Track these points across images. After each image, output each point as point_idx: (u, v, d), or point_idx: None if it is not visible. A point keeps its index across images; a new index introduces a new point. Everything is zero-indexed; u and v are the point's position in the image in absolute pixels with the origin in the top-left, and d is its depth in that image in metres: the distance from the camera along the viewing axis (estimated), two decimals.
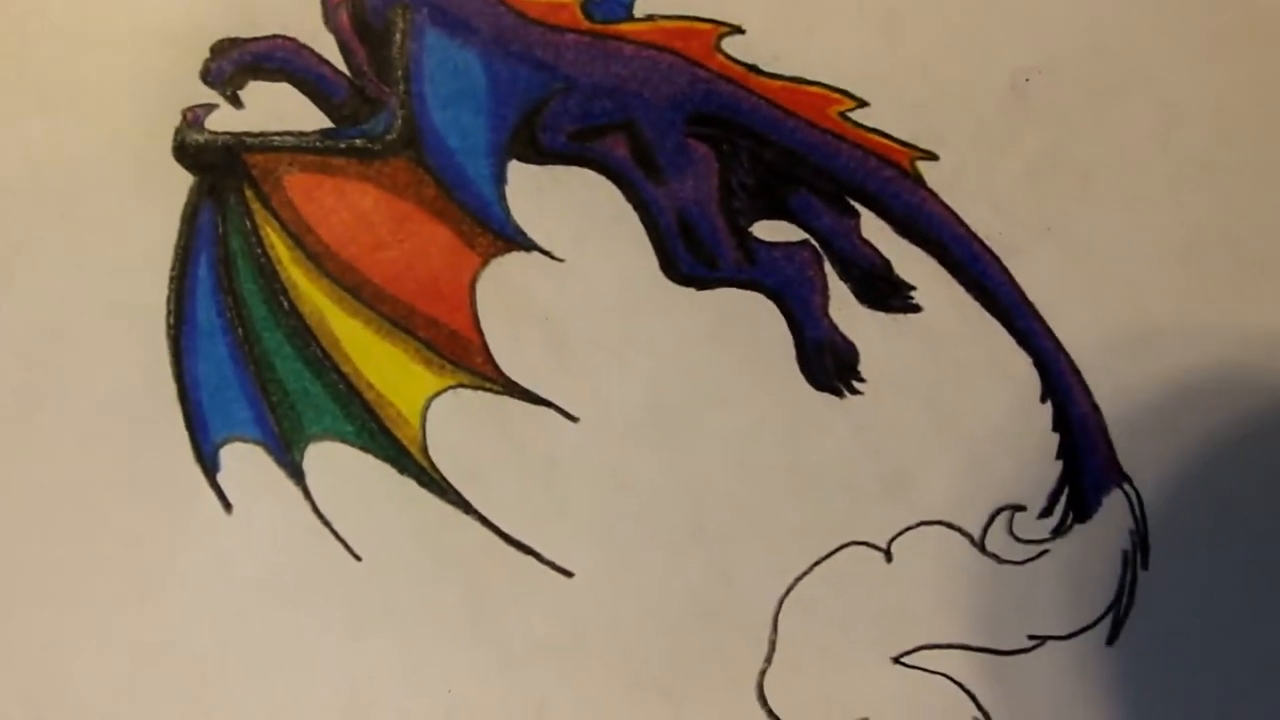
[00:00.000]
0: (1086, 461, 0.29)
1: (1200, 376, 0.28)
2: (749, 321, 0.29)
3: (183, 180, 0.29)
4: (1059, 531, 0.29)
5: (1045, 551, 0.28)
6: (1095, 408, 0.28)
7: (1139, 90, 0.28)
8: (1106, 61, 0.28)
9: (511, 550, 0.29)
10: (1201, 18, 0.28)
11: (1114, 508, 0.28)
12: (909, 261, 0.29)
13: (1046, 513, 0.29)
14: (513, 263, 0.29)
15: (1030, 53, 0.28)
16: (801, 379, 0.29)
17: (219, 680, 0.29)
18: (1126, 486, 0.28)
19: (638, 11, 0.29)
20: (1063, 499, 0.29)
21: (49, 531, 0.30)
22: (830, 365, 0.29)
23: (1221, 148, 0.28)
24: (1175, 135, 0.28)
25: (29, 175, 0.29)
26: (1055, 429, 0.29)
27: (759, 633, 0.29)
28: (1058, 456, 0.29)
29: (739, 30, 0.29)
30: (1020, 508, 0.29)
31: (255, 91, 0.29)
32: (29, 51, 0.29)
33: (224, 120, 0.29)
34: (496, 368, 0.29)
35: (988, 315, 0.29)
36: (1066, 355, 0.28)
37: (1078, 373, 0.28)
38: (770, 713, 0.29)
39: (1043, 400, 0.28)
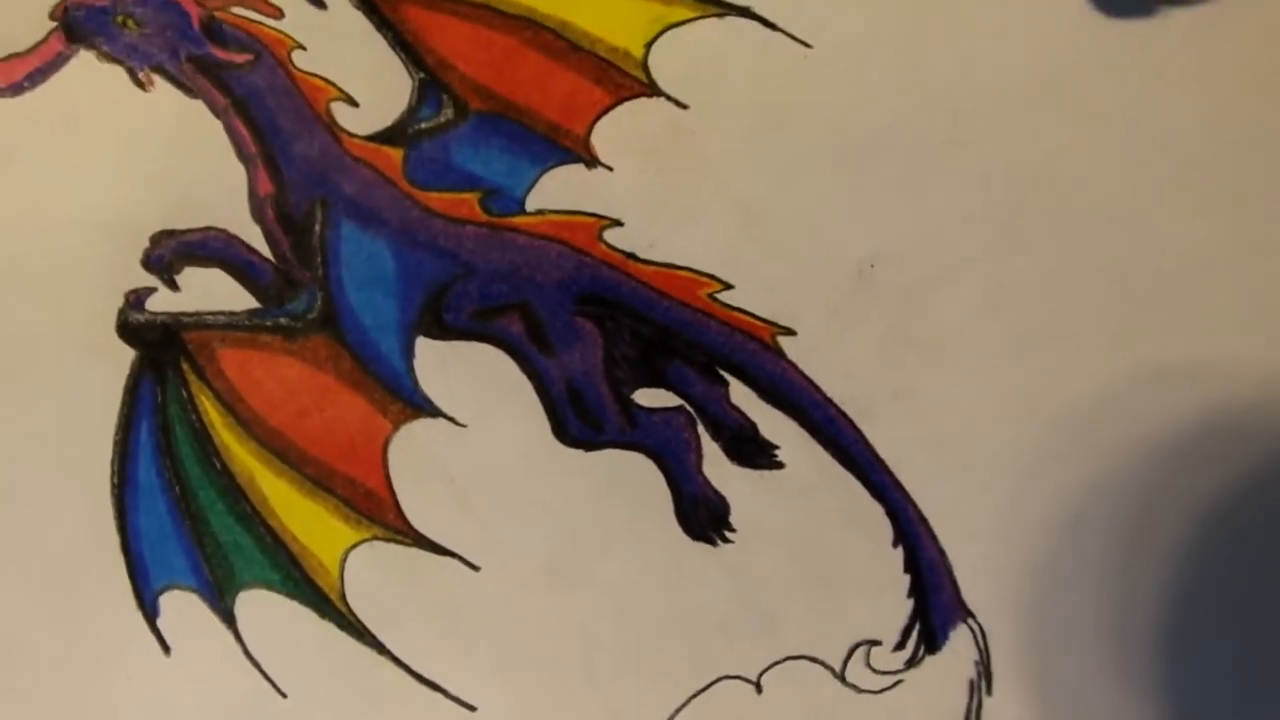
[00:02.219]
0: (934, 599, 0.30)
1: (1033, 523, 0.30)
2: (632, 479, 0.31)
3: (125, 355, 0.31)
4: (912, 663, 0.30)
5: (900, 681, 0.30)
6: (941, 551, 0.30)
7: (969, 271, 0.30)
8: (939, 249, 0.30)
9: (421, 687, 0.31)
10: (1017, 206, 0.30)
11: (960, 640, 0.30)
12: (773, 424, 0.31)
13: (900, 646, 0.30)
14: (421, 428, 0.31)
15: (872, 243, 0.30)
16: (680, 530, 0.31)
17: None
18: (971, 621, 0.30)
19: (529, 206, 0.31)
20: (914, 633, 0.30)
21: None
22: (705, 517, 0.31)
23: (1044, 318, 0.30)
24: (1004, 309, 0.30)
25: None
26: (906, 570, 0.30)
27: None
28: (909, 595, 0.30)
29: (618, 223, 0.31)
30: (876, 642, 0.30)
31: (191, 276, 0.31)
32: None
33: (163, 301, 0.31)
34: (407, 522, 0.31)
35: (844, 471, 0.30)
36: (915, 505, 0.30)
37: (925, 520, 0.30)
38: None
39: (895, 545, 0.30)
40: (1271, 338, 0.30)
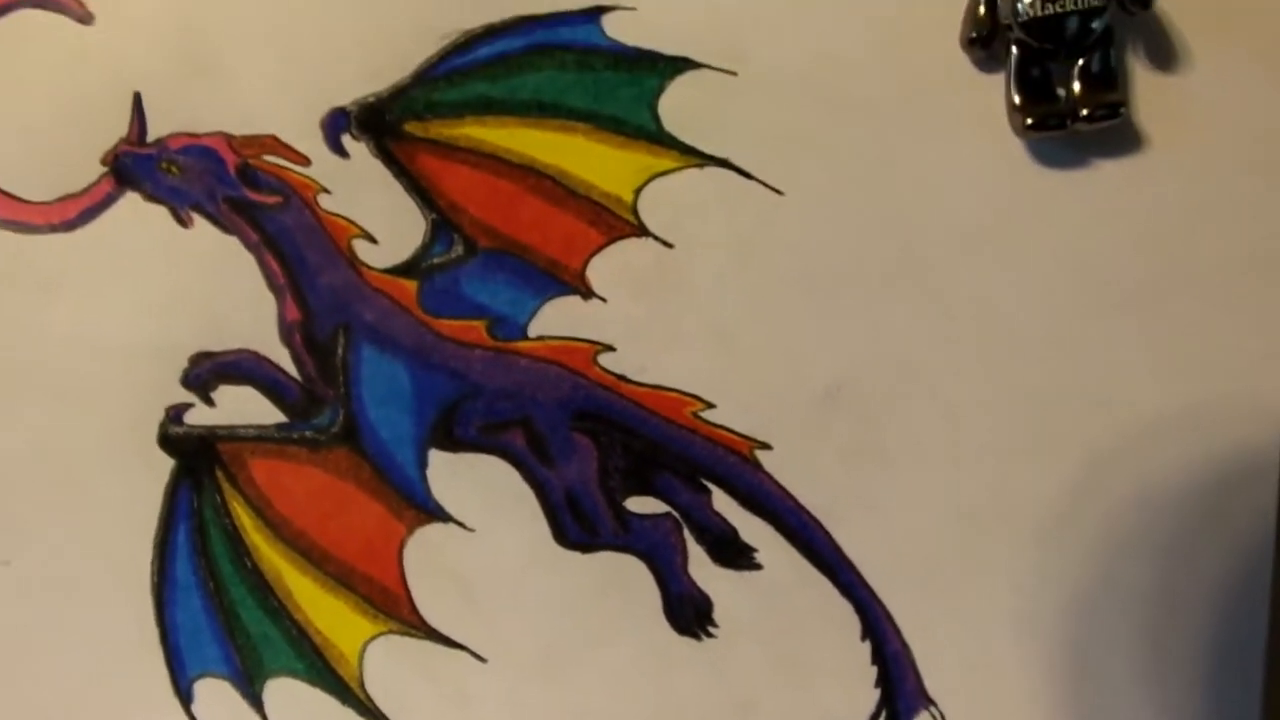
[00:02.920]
0: (899, 688, 0.33)
1: (984, 620, 0.32)
2: (624, 579, 0.33)
3: (165, 464, 0.34)
4: None
5: None
6: (905, 644, 0.33)
7: (925, 391, 0.32)
8: (898, 371, 0.32)
9: None
10: (967, 332, 0.32)
11: None
12: (752, 529, 0.33)
13: None
14: (433, 532, 0.33)
15: (839, 366, 0.33)
16: (667, 625, 0.33)
17: None
18: (933, 708, 0.33)
19: (531, 333, 0.33)
20: (881, 719, 0.33)
21: None
22: (690, 614, 0.33)
23: (993, 432, 0.32)
24: (956, 425, 0.32)
25: (39, 461, 0.34)
26: (873, 662, 0.33)
27: None
28: (876, 684, 0.33)
29: (611, 348, 0.33)
30: None
31: (225, 393, 0.34)
32: (42, 361, 0.34)
33: (200, 416, 0.34)
34: (420, 617, 0.33)
35: (816, 571, 0.33)
36: (880, 602, 0.33)
37: (890, 616, 0.33)
38: None
39: (863, 639, 0.33)
40: (1193, 443, 0.32)
